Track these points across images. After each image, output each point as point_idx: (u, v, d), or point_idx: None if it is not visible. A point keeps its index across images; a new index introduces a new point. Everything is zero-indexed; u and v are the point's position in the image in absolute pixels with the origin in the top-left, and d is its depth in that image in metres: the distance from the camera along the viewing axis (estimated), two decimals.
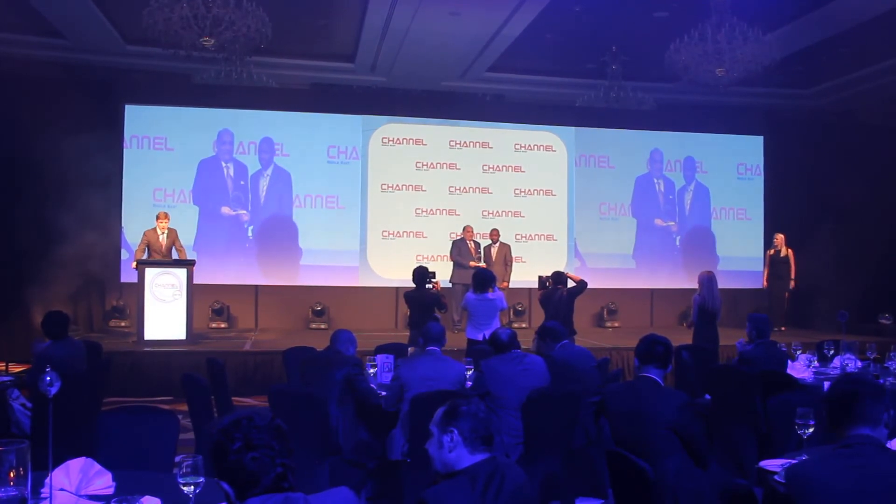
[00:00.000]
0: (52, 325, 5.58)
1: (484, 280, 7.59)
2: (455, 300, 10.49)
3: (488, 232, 11.67)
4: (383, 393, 5.04)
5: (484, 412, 2.69)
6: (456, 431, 2.59)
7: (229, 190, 12.07)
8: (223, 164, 12.06)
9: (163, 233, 9.80)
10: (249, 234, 12.09)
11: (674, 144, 13.44)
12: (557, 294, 8.28)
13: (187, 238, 10.74)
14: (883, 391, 2.62)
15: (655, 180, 13.42)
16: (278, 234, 12.19)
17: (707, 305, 7.95)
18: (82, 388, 5.16)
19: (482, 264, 10.88)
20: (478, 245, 11.39)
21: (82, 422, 4.60)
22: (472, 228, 11.45)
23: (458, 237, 11.52)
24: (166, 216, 9.88)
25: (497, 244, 11.51)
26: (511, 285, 11.35)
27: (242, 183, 12.10)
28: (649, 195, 13.37)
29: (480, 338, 7.34)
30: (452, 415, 2.63)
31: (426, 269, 7.88)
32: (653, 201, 13.39)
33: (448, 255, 11.37)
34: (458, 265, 11.11)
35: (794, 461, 3.11)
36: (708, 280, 8.03)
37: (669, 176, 13.46)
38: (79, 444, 3.47)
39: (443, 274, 9.81)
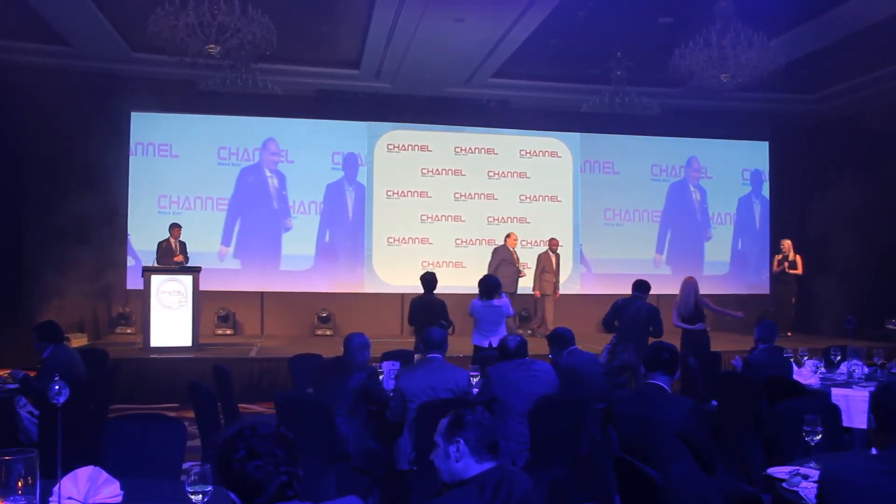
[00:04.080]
0: (51, 331, 5.63)
1: (490, 287, 7.55)
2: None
3: (546, 240, 11.90)
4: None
5: (489, 420, 2.68)
6: (462, 441, 2.58)
7: (231, 197, 12.07)
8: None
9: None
10: (253, 240, 12.11)
11: (678, 150, 13.42)
12: (637, 304, 7.81)
13: (192, 245, 10.72)
14: None
15: (662, 185, 13.41)
16: (283, 239, 12.21)
17: (681, 311, 8.18)
18: (89, 396, 5.17)
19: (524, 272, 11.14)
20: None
21: (89, 429, 4.60)
22: (515, 235, 11.47)
23: (500, 245, 11.38)
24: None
25: (555, 254, 11.69)
26: (517, 291, 11.29)
27: (246, 189, 12.10)
28: (655, 201, 13.36)
29: (486, 344, 7.31)
30: (458, 425, 2.62)
31: (434, 274, 7.85)
32: (656, 206, 13.36)
33: (488, 264, 11.14)
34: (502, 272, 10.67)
35: (801, 468, 3.11)
36: (683, 284, 8.23)
37: (673, 180, 13.44)
38: (85, 452, 3.47)
39: (447, 280, 9.71)
